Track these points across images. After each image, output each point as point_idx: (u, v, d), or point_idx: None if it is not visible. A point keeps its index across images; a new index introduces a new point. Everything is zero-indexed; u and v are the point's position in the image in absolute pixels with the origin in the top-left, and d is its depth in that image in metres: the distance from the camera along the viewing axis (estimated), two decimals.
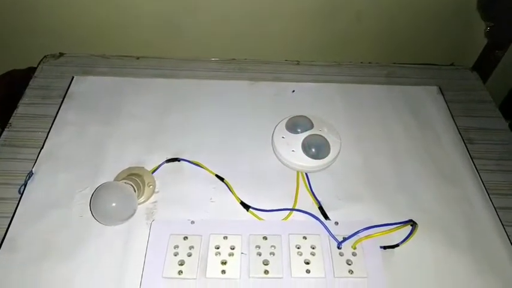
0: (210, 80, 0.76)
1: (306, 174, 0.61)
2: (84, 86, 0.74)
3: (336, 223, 0.55)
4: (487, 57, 0.82)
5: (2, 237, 0.54)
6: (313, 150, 0.61)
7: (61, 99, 0.71)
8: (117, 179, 0.59)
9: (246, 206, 0.58)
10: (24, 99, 0.72)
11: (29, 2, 0.78)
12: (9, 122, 0.68)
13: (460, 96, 0.76)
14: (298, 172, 0.61)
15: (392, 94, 0.75)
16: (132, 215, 0.54)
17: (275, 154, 0.63)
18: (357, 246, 0.52)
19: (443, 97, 0.75)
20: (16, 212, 0.56)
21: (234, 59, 0.81)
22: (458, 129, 0.70)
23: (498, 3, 0.78)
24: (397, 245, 0.54)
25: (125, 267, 0.52)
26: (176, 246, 0.52)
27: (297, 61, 0.82)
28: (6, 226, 0.55)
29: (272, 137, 0.64)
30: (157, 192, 0.59)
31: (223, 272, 0.50)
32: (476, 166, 0.65)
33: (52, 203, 0.58)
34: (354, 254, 0.52)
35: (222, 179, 0.60)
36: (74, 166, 0.62)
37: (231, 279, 0.50)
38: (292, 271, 0.51)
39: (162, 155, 0.63)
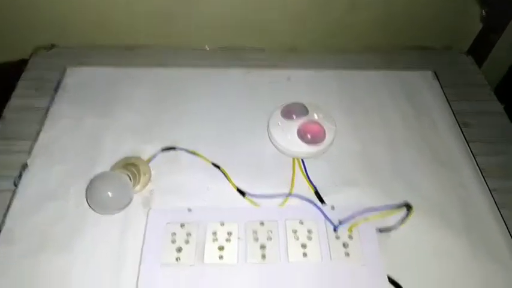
0: (206, 68, 0.76)
1: (302, 160, 0.61)
2: (77, 77, 0.73)
3: (332, 207, 0.55)
4: (482, 42, 0.81)
5: None
6: (309, 136, 0.60)
7: (54, 91, 0.71)
8: (112, 169, 0.59)
9: (243, 193, 0.58)
10: (17, 92, 0.71)
11: None
12: (3, 114, 0.68)
13: (456, 80, 0.76)
14: (294, 158, 0.61)
15: (388, 80, 0.75)
16: (129, 204, 0.54)
17: (271, 141, 0.63)
18: (353, 229, 0.53)
19: (439, 82, 0.75)
20: (12, 205, 0.56)
21: (228, 47, 0.80)
22: (453, 113, 0.70)
23: None
24: (393, 228, 0.54)
25: (123, 255, 0.52)
26: (173, 234, 0.52)
27: (292, 48, 0.81)
28: (2, 218, 0.55)
29: (268, 124, 0.64)
30: (154, 181, 0.59)
31: (221, 257, 0.51)
32: (472, 150, 0.65)
33: (48, 195, 0.57)
34: (350, 238, 0.52)
35: (218, 167, 0.60)
36: (69, 158, 0.62)
37: (228, 265, 0.50)
38: (289, 255, 0.51)
39: (157, 145, 0.63)
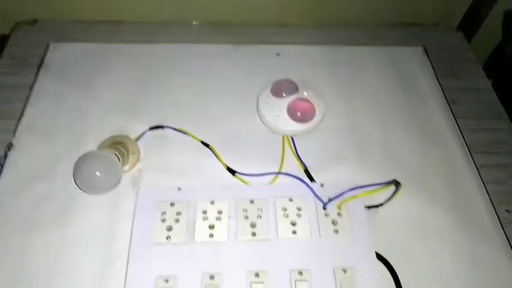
0: (192, 44, 0.74)
1: (292, 138, 0.61)
2: (60, 53, 0.71)
3: (322, 185, 0.56)
4: (471, 17, 0.81)
5: None
6: (299, 114, 0.60)
7: (37, 68, 0.69)
8: (100, 147, 0.58)
9: (232, 171, 0.58)
10: None
11: None
12: None
13: (445, 56, 0.76)
14: (284, 136, 0.61)
15: (377, 55, 0.75)
16: (117, 183, 0.54)
17: (260, 119, 0.63)
18: (342, 206, 0.53)
19: (428, 58, 0.75)
20: None
21: (216, 22, 0.78)
22: (442, 89, 0.70)
23: None
24: (381, 205, 0.55)
25: (113, 235, 0.52)
26: (163, 213, 0.52)
27: (281, 23, 0.80)
28: None
29: (257, 101, 0.63)
30: (142, 160, 0.59)
31: (211, 235, 0.51)
32: (460, 126, 0.66)
33: (35, 174, 0.57)
34: (339, 215, 0.53)
35: (207, 145, 0.60)
36: (55, 136, 0.61)
37: (219, 242, 0.51)
38: (279, 233, 0.51)
39: (145, 123, 0.62)
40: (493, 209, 0.57)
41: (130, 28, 0.76)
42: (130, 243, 0.50)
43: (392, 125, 0.65)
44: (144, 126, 0.62)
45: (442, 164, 0.61)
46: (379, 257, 0.51)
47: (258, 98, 0.64)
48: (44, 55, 0.71)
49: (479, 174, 0.60)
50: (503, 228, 0.55)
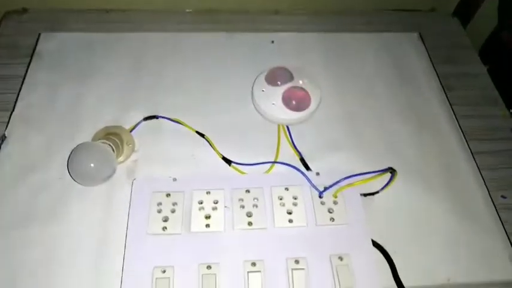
0: (185, 32, 0.73)
1: (287, 126, 0.61)
2: (52, 43, 0.70)
3: (317, 173, 0.56)
4: (467, 2, 0.80)
5: None
6: (294, 102, 0.60)
7: (29, 58, 0.68)
8: (94, 139, 0.58)
9: (228, 161, 0.57)
10: None
11: None
12: None
13: (441, 42, 0.76)
14: (279, 125, 0.61)
15: (373, 42, 0.74)
16: (112, 174, 0.54)
17: (255, 108, 0.62)
18: (338, 195, 0.53)
19: (424, 44, 0.75)
20: None
21: (209, 9, 0.77)
22: (438, 75, 0.70)
23: None
24: (377, 192, 0.55)
25: (109, 226, 0.52)
26: (159, 204, 0.52)
27: (276, 10, 0.79)
28: None
29: (252, 90, 0.63)
30: (137, 150, 0.58)
31: (208, 226, 0.51)
32: (455, 112, 0.66)
33: (29, 166, 0.56)
34: (335, 203, 0.53)
35: (202, 135, 0.60)
36: (48, 127, 0.60)
37: (215, 232, 0.51)
38: (275, 221, 0.52)
39: (139, 113, 0.62)
40: (488, 195, 0.57)
41: (123, 16, 0.75)
42: (126, 235, 0.50)
43: (387, 112, 0.65)
44: (138, 116, 0.61)
45: (437, 150, 0.61)
46: (375, 244, 0.51)
47: (252, 86, 0.63)
48: (36, 45, 0.69)
49: (474, 160, 0.60)
50: (498, 214, 0.55)
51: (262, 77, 0.63)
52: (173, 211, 0.52)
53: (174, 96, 0.64)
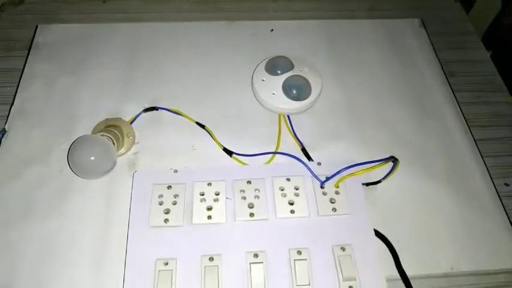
0: (183, 22, 0.72)
1: (288, 116, 0.60)
2: (49, 35, 0.69)
3: (319, 163, 0.55)
4: None
5: None
6: (294, 91, 0.59)
7: (27, 51, 0.67)
8: (94, 131, 0.58)
9: (229, 152, 0.57)
10: None
11: None
12: None
13: (443, 28, 0.75)
14: (280, 115, 0.61)
15: (373, 28, 0.73)
16: (113, 167, 0.53)
17: (255, 98, 0.62)
18: (339, 184, 0.53)
19: (426, 30, 0.73)
20: None
21: None
22: (440, 62, 0.69)
23: None
24: (379, 181, 0.55)
25: (111, 219, 0.52)
26: (160, 196, 0.52)
27: None
28: None
29: (252, 79, 0.62)
30: (138, 142, 0.58)
31: (209, 217, 0.51)
32: (457, 99, 0.65)
33: (29, 159, 0.56)
34: (337, 193, 0.53)
35: (203, 126, 0.59)
36: (48, 120, 0.60)
37: (217, 224, 0.51)
38: (277, 212, 0.51)
39: (139, 104, 0.61)
40: (491, 182, 0.56)
41: (119, 7, 0.74)
42: (128, 227, 0.50)
43: (389, 99, 0.64)
44: (138, 108, 0.61)
45: (440, 138, 0.60)
46: (378, 233, 0.51)
47: (252, 76, 0.62)
48: (33, 37, 0.69)
49: (477, 147, 0.60)
50: (501, 202, 0.55)
51: (262, 66, 0.63)
52: (175, 203, 0.52)
53: (173, 87, 0.64)
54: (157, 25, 0.71)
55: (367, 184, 0.54)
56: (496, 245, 0.52)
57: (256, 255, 0.48)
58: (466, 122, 0.62)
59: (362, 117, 0.62)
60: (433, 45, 0.71)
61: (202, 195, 0.52)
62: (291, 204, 0.52)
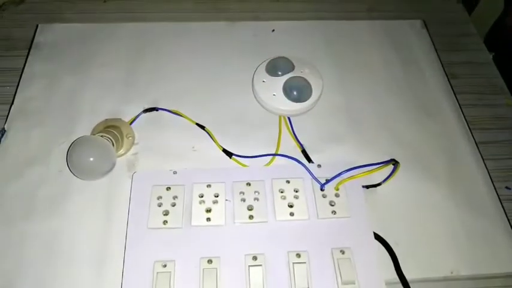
0: (184, 22, 0.72)
1: (289, 118, 0.60)
2: (50, 34, 0.69)
3: (319, 166, 0.55)
4: None
5: None
6: (295, 93, 0.59)
7: (27, 50, 0.67)
8: (93, 132, 0.58)
9: (229, 154, 0.57)
10: None
11: None
12: None
13: (445, 29, 0.74)
14: (280, 116, 0.60)
15: (375, 29, 0.73)
16: (112, 168, 0.53)
17: (256, 99, 0.61)
18: (339, 187, 0.53)
19: (428, 31, 0.73)
20: None
21: None
22: (441, 64, 0.69)
23: None
24: (379, 184, 0.54)
25: (110, 220, 0.51)
26: (159, 197, 0.52)
27: None
28: None
29: (252, 81, 0.62)
30: (137, 143, 0.58)
31: (208, 219, 0.50)
32: (459, 101, 0.65)
33: (29, 159, 0.56)
34: (336, 195, 0.52)
35: (202, 127, 0.59)
36: (48, 120, 0.60)
37: (216, 226, 0.50)
38: (277, 215, 0.51)
39: (138, 105, 0.61)
40: (492, 186, 0.56)
41: (120, 6, 0.74)
42: (127, 229, 0.50)
43: (390, 101, 0.64)
44: (137, 108, 0.61)
45: (441, 140, 0.60)
46: (377, 237, 0.50)
47: (253, 77, 0.62)
48: (33, 37, 0.69)
49: (478, 150, 0.59)
50: (502, 206, 0.55)
51: (263, 67, 0.62)
52: (174, 205, 0.51)
53: (173, 88, 0.64)
54: (158, 25, 0.71)
55: (367, 187, 0.54)
56: (496, 249, 0.51)
57: (255, 258, 0.48)
58: (468, 124, 0.62)
59: (363, 119, 0.62)
60: (435, 47, 0.71)
61: (202, 197, 0.52)
62: (291, 206, 0.52)
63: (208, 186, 0.53)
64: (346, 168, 0.53)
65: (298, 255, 0.48)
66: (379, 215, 0.53)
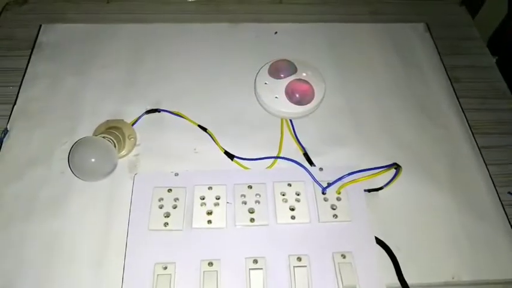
0: (186, 23, 0.72)
1: (291, 120, 0.60)
2: (53, 35, 0.69)
3: (321, 169, 0.55)
4: None
5: None
6: (297, 96, 0.59)
7: (30, 51, 0.67)
8: (95, 133, 0.58)
9: (231, 156, 0.57)
10: None
11: None
12: None
13: (448, 33, 0.74)
14: (282, 119, 0.60)
15: (378, 32, 0.73)
16: (113, 170, 0.53)
17: (258, 101, 0.61)
18: (341, 191, 0.53)
19: (431, 34, 0.73)
20: None
21: None
22: (444, 67, 0.69)
23: None
24: (381, 188, 0.54)
25: (111, 221, 0.51)
26: (161, 199, 0.52)
27: (280, 0, 0.77)
28: None
29: (254, 83, 0.62)
30: (139, 144, 0.58)
31: (209, 222, 0.50)
32: (462, 105, 0.64)
33: (31, 160, 0.56)
34: (338, 199, 0.52)
35: (204, 129, 0.59)
36: (50, 121, 0.60)
37: (217, 229, 0.50)
38: (278, 218, 0.51)
39: (141, 106, 0.61)
40: (495, 191, 0.56)
41: (123, 7, 0.74)
42: (127, 230, 0.50)
43: (393, 105, 0.64)
44: (140, 109, 0.61)
45: (443, 145, 0.60)
46: (379, 241, 0.50)
47: (255, 79, 0.62)
48: (36, 37, 0.69)
49: (481, 155, 0.59)
50: (504, 211, 0.54)
51: (265, 70, 0.62)
52: (175, 207, 0.51)
53: (175, 89, 0.64)
54: (161, 26, 0.71)
55: (369, 190, 0.54)
56: (498, 254, 0.51)
57: (255, 261, 0.48)
58: (470, 128, 0.62)
59: (365, 122, 0.62)
60: (438, 50, 0.71)
61: (203, 199, 0.52)
62: (292, 209, 0.52)
63: (210, 188, 0.53)
64: (348, 172, 0.53)
65: (299, 259, 0.48)
66: (381, 219, 0.52)
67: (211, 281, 0.46)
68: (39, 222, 0.51)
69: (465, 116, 0.63)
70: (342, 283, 0.47)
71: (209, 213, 0.51)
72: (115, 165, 0.53)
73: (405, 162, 0.55)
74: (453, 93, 0.66)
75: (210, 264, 0.48)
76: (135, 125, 0.59)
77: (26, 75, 0.64)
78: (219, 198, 0.52)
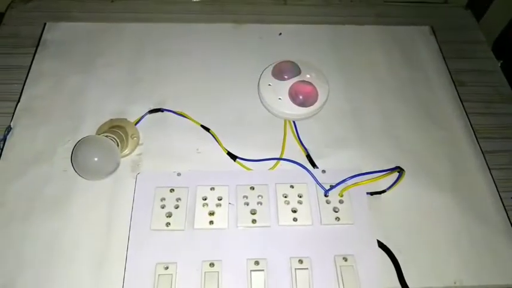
0: (191, 23, 0.72)
1: (294, 122, 0.60)
2: (57, 33, 0.69)
3: (323, 171, 0.55)
4: None
5: None
6: (301, 97, 0.59)
7: (34, 48, 0.67)
8: (98, 131, 0.58)
9: (233, 157, 0.57)
10: None
11: None
12: None
13: (453, 36, 0.74)
14: (285, 120, 0.60)
15: (382, 35, 0.72)
16: (116, 169, 0.53)
17: (261, 102, 0.61)
18: (344, 193, 0.53)
19: (436, 38, 0.73)
20: None
21: None
22: (449, 71, 0.68)
23: None
24: (383, 191, 0.54)
25: (113, 220, 0.51)
26: (163, 199, 0.52)
27: (284, 1, 0.77)
28: None
29: (258, 84, 0.62)
30: (142, 144, 0.58)
31: (211, 222, 0.50)
32: (466, 109, 0.64)
33: (34, 158, 0.56)
34: (340, 202, 0.52)
35: (207, 130, 0.59)
36: (53, 119, 0.60)
37: (219, 230, 0.50)
38: (280, 220, 0.51)
39: (144, 105, 0.61)
40: (498, 196, 0.56)
41: (128, 6, 0.74)
42: (129, 230, 0.50)
43: (396, 108, 0.63)
44: (143, 108, 0.61)
45: (447, 149, 0.60)
46: (381, 244, 0.50)
47: (259, 80, 0.62)
48: (41, 35, 0.69)
49: (485, 159, 0.59)
50: (508, 216, 0.54)
51: (269, 71, 0.62)
52: (177, 207, 0.51)
53: (179, 89, 0.64)
54: (165, 26, 0.71)
55: (372, 193, 0.54)
56: (500, 259, 0.51)
57: (257, 263, 0.48)
58: (474, 133, 0.61)
59: (368, 125, 0.61)
60: (442, 54, 0.70)
61: (205, 199, 0.52)
62: (294, 211, 0.51)
63: (212, 189, 0.53)
64: (351, 175, 0.53)
65: (301, 261, 0.48)
66: (383, 222, 0.52)
67: (212, 282, 0.46)
68: (41, 220, 0.51)
69: (469, 120, 0.63)
70: (344, 286, 0.46)
71: (211, 213, 0.51)
72: (118, 165, 0.53)
73: (408, 166, 0.55)
74: (457, 97, 0.65)
75: (212, 265, 0.47)
76: (138, 125, 0.59)
77: (30, 73, 0.64)
78: (221, 199, 0.52)
